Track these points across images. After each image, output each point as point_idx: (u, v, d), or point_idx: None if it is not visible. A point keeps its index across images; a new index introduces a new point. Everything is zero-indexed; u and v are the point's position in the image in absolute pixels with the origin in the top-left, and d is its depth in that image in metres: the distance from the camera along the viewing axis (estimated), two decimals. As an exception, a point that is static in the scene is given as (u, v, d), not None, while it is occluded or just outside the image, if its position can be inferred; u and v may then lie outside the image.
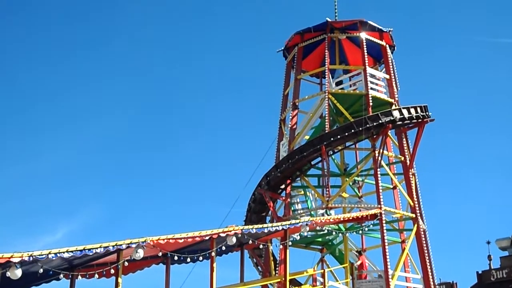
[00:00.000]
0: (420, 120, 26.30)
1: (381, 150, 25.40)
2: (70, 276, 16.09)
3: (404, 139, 27.32)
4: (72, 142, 61.37)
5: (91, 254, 13.92)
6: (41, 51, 62.18)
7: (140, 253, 14.85)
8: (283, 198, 26.47)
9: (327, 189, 25.24)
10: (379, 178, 25.32)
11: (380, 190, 25.06)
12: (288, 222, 20.09)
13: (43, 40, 62.32)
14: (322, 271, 22.83)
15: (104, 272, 15.62)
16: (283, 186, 26.47)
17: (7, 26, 60.97)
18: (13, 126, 59.82)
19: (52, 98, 61.49)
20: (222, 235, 17.13)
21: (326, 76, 27.30)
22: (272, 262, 25.60)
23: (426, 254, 25.66)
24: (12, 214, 55.59)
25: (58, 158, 59.51)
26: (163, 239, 15.49)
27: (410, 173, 26.85)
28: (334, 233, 24.56)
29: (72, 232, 51.92)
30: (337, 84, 27.49)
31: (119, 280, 15.13)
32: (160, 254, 16.56)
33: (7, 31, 61.32)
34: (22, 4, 61.69)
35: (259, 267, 27.21)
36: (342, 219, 23.49)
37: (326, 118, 26.11)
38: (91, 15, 63.95)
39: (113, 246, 14.33)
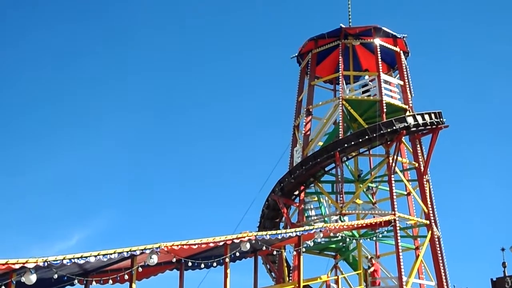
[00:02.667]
0: (434, 127, 26.22)
1: (395, 157, 25.35)
2: (85, 282, 16.16)
3: (418, 146, 27.24)
4: (86, 148, 61.43)
5: (105, 260, 14.01)
6: (46, 52, 62.26)
7: (154, 259, 14.93)
8: (297, 204, 26.45)
9: (341, 196, 25.23)
10: (393, 185, 25.26)
11: (394, 197, 24.98)
12: (302, 229, 20.08)
13: (48, 41, 62.36)
14: (336, 277, 22.82)
15: (118, 278, 15.68)
16: (296, 192, 26.46)
17: (11, 26, 61.21)
18: (28, 131, 59.99)
19: (66, 102, 61.55)
20: (236, 241, 17.17)
21: (340, 82, 27.30)
22: (286, 268, 25.56)
23: (440, 261, 25.55)
24: (27, 220, 55.74)
25: (72, 164, 59.58)
26: (177, 245, 15.55)
27: (424, 180, 26.76)
28: (348, 239, 24.48)
29: (87, 238, 51.95)
30: (363, 87, 27.58)
31: (133, 286, 15.22)
32: (174, 260, 16.60)
33: (11, 31, 61.55)
34: (26, 2, 61.85)
35: (272, 273, 27.19)
36: (356, 225, 23.47)
37: (340, 124, 26.11)
38: (98, 15, 64.00)
39: (127, 252, 14.42)
